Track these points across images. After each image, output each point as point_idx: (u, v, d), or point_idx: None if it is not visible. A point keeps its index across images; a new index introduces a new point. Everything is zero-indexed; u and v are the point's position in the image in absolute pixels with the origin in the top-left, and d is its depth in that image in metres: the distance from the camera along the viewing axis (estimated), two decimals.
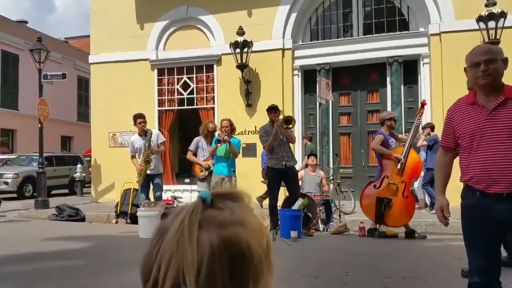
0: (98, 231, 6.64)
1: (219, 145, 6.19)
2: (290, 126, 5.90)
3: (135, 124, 6.50)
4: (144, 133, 6.48)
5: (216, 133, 6.61)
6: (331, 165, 9.20)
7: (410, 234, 5.54)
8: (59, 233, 6.33)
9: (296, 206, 5.46)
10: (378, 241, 5.37)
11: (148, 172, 6.44)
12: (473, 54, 2.14)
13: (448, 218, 2.23)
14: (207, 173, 6.72)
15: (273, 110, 6.00)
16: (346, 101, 10.23)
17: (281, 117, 6.05)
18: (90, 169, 16.11)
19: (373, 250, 4.87)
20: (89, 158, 18.26)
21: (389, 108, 9.69)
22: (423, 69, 9.47)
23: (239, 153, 6.46)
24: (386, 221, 5.43)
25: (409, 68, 9.71)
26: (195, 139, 7.00)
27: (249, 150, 9.39)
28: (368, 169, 9.75)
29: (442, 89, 9.00)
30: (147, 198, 6.65)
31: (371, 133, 9.90)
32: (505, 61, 2.12)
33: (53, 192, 13.81)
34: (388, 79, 9.77)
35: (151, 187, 6.77)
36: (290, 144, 6.13)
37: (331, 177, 8.24)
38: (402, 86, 9.64)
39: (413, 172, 5.57)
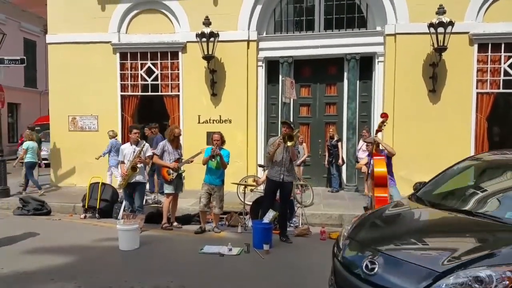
0: (73, 234, 6.82)
1: (212, 160, 6.57)
2: (289, 143, 6.12)
3: (130, 133, 6.94)
4: (136, 143, 6.85)
5: (213, 146, 6.74)
6: None
7: None
8: (36, 239, 6.46)
9: (267, 219, 6.04)
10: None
11: (132, 180, 6.76)
12: None
13: None
14: (174, 175, 6.98)
15: (285, 124, 6.34)
16: (306, 93, 10.75)
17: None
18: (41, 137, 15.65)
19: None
20: (39, 128, 17.66)
21: (345, 101, 10.36)
22: (378, 67, 10.09)
23: (228, 164, 6.82)
24: None
25: (365, 64, 10.30)
26: (161, 144, 7.20)
27: None
28: (325, 157, 10.53)
29: (394, 86, 9.73)
30: (131, 205, 6.95)
31: (328, 124, 10.61)
32: None
33: None
34: (345, 74, 10.35)
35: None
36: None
37: None
38: (357, 82, 10.28)
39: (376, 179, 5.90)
